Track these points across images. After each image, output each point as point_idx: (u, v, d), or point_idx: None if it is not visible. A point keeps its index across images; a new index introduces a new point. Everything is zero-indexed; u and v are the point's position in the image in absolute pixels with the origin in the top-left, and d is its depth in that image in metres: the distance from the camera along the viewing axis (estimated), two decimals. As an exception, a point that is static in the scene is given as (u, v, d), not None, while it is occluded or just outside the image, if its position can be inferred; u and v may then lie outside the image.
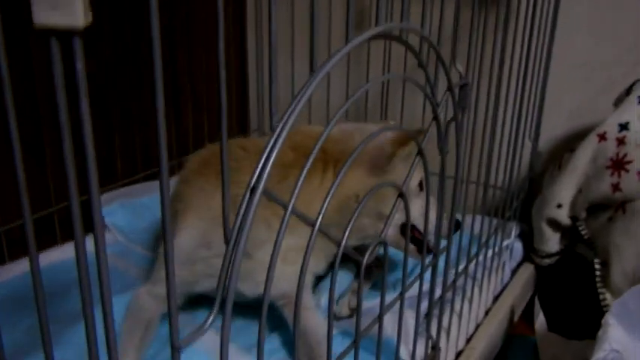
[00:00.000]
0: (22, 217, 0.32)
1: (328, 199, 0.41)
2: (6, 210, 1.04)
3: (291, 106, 0.37)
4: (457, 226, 0.85)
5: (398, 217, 0.87)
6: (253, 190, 0.37)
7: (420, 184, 0.91)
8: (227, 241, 0.37)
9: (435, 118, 0.56)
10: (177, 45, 1.36)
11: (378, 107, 1.30)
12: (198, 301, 0.91)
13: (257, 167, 0.37)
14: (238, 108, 1.59)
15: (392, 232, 0.89)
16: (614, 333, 0.74)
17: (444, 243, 0.75)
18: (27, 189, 0.31)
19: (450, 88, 0.59)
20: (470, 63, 0.73)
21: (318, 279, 0.99)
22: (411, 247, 0.88)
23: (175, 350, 0.35)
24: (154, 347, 0.83)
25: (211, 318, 0.37)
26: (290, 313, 0.88)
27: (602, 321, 0.77)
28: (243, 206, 0.37)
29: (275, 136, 0.37)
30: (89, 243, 0.31)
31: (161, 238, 0.96)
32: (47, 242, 1.11)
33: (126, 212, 1.18)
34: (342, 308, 0.97)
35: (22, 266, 1.02)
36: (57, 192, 1.11)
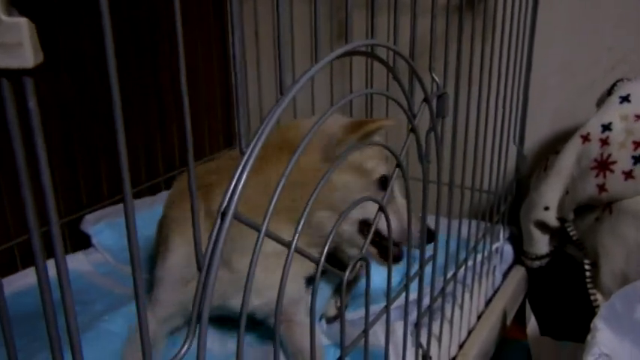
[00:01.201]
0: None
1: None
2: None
3: (259, 130, 0.37)
4: (430, 236, 0.77)
5: (357, 212, 0.81)
6: (224, 214, 0.37)
7: (382, 181, 0.83)
8: (200, 268, 0.37)
9: (413, 130, 0.56)
10: (160, 63, 1.36)
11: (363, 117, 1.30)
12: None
13: (227, 191, 0.37)
14: (223, 120, 1.59)
15: (349, 227, 0.83)
16: (603, 337, 0.74)
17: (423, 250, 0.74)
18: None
19: (426, 99, 0.59)
20: (449, 70, 0.73)
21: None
22: (373, 250, 0.83)
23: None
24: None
25: (186, 347, 0.36)
26: (286, 331, 0.87)
27: (591, 325, 0.76)
28: (215, 231, 0.36)
29: (244, 160, 0.37)
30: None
31: (151, 259, 0.96)
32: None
33: (113, 232, 1.17)
34: (329, 309, 0.97)
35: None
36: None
